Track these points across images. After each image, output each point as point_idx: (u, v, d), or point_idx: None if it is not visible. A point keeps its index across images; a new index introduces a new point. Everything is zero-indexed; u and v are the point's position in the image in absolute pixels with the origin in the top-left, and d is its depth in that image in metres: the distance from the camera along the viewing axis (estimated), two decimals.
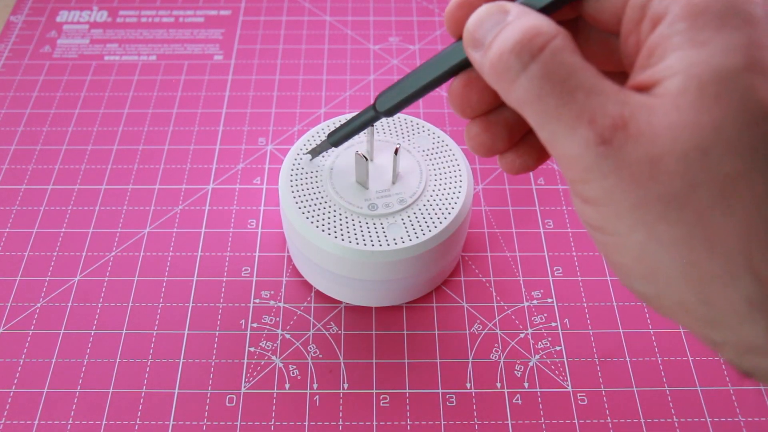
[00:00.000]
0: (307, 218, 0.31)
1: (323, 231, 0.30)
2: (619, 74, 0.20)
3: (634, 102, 0.17)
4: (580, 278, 0.35)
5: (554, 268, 0.36)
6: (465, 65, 0.21)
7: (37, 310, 0.34)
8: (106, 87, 0.44)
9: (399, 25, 0.49)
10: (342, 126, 0.29)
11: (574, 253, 0.36)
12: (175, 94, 0.44)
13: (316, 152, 0.32)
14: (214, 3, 0.50)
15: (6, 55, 0.46)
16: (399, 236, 0.30)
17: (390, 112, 0.25)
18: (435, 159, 0.33)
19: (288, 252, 0.36)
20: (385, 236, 0.30)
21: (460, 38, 0.21)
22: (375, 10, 0.50)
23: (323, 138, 0.33)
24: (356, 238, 0.30)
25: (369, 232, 0.30)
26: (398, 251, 0.30)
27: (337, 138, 0.30)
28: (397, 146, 0.31)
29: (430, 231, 0.30)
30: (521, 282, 0.35)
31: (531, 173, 0.39)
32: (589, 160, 0.17)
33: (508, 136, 0.22)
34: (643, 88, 0.17)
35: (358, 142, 0.33)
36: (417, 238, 0.30)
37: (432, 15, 0.49)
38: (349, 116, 0.31)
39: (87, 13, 0.49)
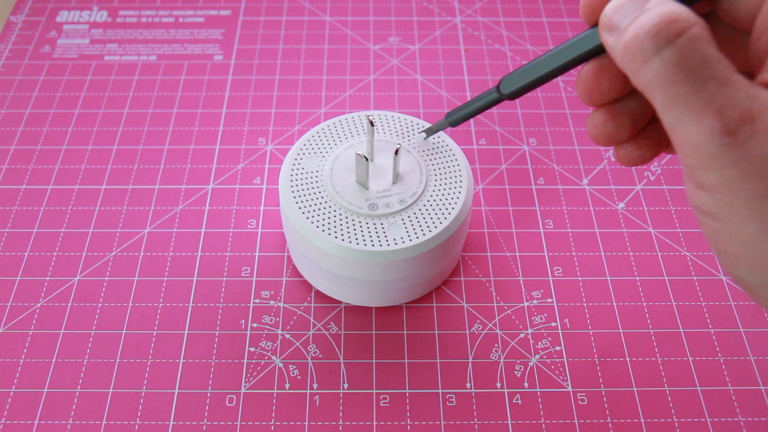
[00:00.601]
0: (307, 218, 0.31)
1: (323, 231, 0.30)
2: (744, 74, 0.21)
3: (763, 98, 0.17)
4: (580, 278, 0.35)
5: (554, 268, 0.36)
6: (596, 52, 0.22)
7: (37, 310, 0.34)
8: (106, 87, 0.44)
9: (399, 25, 0.49)
10: (462, 106, 0.29)
11: (574, 253, 0.36)
12: (175, 94, 0.44)
13: (431, 131, 0.33)
14: (214, 3, 0.50)
15: (6, 55, 0.46)
16: (399, 236, 0.30)
17: (514, 95, 0.25)
18: (435, 159, 0.33)
19: (288, 252, 0.36)
20: (385, 236, 0.30)
21: (593, 26, 0.21)
22: (375, 10, 0.50)
23: (322, 138, 0.33)
24: (356, 238, 0.30)
25: (369, 232, 0.30)
26: (398, 251, 0.30)
27: (456, 118, 0.30)
28: (398, 146, 0.31)
29: (430, 231, 0.30)
30: (521, 282, 0.35)
31: (531, 173, 0.39)
32: (712, 149, 0.17)
33: (631, 126, 0.23)
34: None
35: (358, 142, 0.33)
36: (417, 238, 0.30)
37: (432, 15, 0.49)
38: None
39: (87, 13, 0.49)
